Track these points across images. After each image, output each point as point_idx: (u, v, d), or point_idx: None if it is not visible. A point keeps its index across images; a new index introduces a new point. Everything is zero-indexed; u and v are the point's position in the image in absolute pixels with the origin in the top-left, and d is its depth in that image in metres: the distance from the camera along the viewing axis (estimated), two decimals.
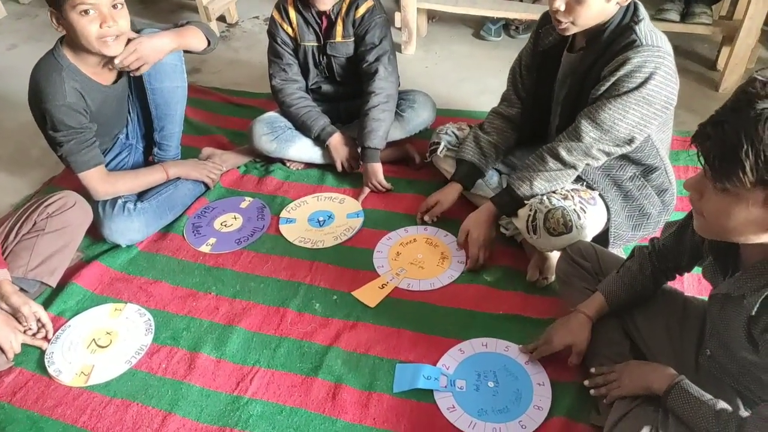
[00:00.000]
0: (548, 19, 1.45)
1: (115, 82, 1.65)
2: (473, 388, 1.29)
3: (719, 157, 0.79)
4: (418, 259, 1.64)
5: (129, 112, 1.79)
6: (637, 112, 1.30)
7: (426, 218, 1.72)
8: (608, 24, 1.32)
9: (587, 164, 1.39)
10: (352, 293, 1.55)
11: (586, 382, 1.21)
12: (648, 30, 1.29)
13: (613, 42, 1.31)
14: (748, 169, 0.76)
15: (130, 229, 1.67)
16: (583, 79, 1.38)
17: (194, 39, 1.70)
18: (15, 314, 1.40)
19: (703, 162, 0.83)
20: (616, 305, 1.23)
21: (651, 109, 1.30)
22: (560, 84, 1.49)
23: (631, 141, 1.34)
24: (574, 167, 1.40)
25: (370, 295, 1.54)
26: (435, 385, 1.29)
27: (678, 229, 1.14)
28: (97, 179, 1.61)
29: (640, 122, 1.31)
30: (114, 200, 1.66)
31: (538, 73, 1.54)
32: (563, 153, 1.38)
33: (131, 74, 1.61)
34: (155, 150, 1.83)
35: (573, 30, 1.33)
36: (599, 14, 1.30)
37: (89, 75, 1.56)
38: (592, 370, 1.22)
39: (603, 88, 1.31)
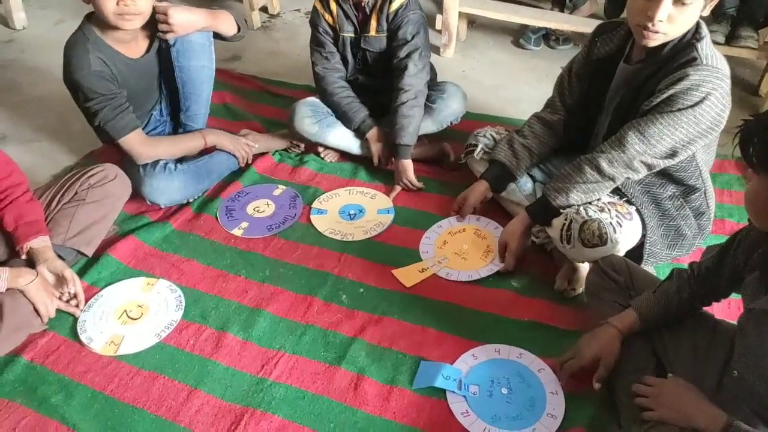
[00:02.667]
0: (606, 28, 1.44)
1: (143, 56, 1.69)
2: (486, 394, 1.29)
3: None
4: (463, 250, 1.66)
5: (161, 89, 1.82)
6: (685, 130, 1.29)
7: (458, 219, 1.72)
8: (672, 39, 1.32)
9: (627, 177, 1.39)
10: (392, 271, 1.59)
11: (596, 385, 1.20)
12: (709, 49, 1.29)
13: (674, 57, 1.31)
14: None
15: (170, 188, 1.73)
16: (637, 91, 1.38)
17: (225, 23, 1.74)
18: (57, 278, 1.44)
19: (756, 163, 0.86)
20: (648, 324, 1.22)
21: (699, 128, 1.29)
22: (612, 94, 1.49)
23: (674, 155, 1.33)
24: (613, 179, 1.39)
25: (408, 275, 1.58)
26: (452, 386, 1.30)
27: (720, 251, 1.13)
28: (138, 142, 1.67)
29: (686, 140, 1.31)
30: (155, 162, 1.72)
31: (590, 83, 1.53)
32: (604, 164, 1.37)
33: (157, 36, 1.64)
34: (180, 131, 1.86)
35: (663, 40, 1.31)
36: (693, 21, 1.29)
37: (116, 47, 1.60)
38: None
39: (656, 101, 1.31)
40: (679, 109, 1.28)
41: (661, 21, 1.25)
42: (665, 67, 1.32)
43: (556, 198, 1.45)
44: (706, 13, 1.29)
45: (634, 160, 1.35)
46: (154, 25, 1.62)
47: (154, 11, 1.59)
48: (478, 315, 1.48)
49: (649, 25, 1.26)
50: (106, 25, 1.56)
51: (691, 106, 1.27)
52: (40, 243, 1.42)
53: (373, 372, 1.34)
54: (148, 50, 1.70)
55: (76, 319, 1.44)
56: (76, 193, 1.54)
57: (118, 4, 1.48)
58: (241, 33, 1.81)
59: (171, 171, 1.73)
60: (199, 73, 1.77)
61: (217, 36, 1.77)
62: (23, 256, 1.42)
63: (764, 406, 1.02)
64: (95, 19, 1.58)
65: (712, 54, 1.28)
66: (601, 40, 1.49)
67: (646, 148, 1.33)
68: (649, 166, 1.36)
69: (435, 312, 1.48)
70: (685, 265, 1.22)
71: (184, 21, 1.62)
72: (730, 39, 2.25)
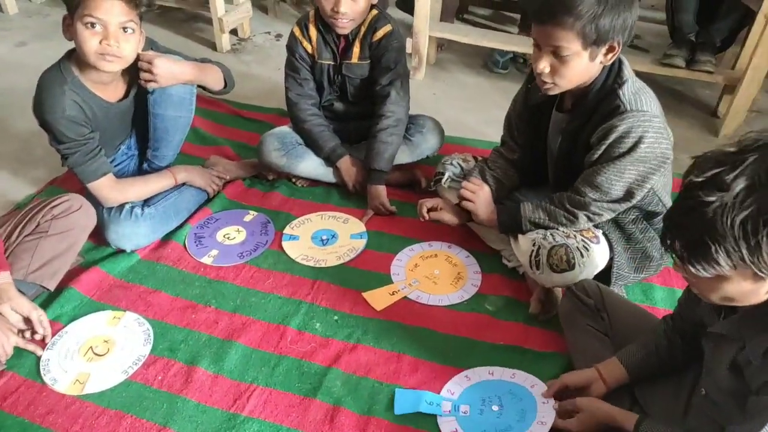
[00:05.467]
0: None
1: (120, 100, 1.64)
2: (477, 413, 1.29)
3: (692, 257, 0.82)
4: (434, 275, 1.66)
5: (132, 127, 1.77)
6: (633, 172, 1.32)
7: (425, 215, 1.66)
8: (592, 86, 1.34)
9: (592, 219, 1.41)
10: (362, 294, 1.57)
11: (555, 405, 1.23)
12: (632, 93, 1.30)
13: (598, 106, 1.33)
14: (723, 262, 0.79)
15: (137, 234, 1.66)
16: (572, 140, 1.41)
17: (212, 77, 1.70)
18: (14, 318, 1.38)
19: (678, 260, 0.85)
20: (638, 374, 1.22)
21: (647, 166, 1.32)
22: (551, 139, 1.52)
23: (631, 197, 1.36)
24: (577, 218, 1.42)
25: (379, 298, 1.57)
26: (437, 411, 1.29)
27: (688, 285, 1.15)
28: (106, 188, 1.61)
29: (639, 179, 1.34)
30: (121, 205, 1.65)
31: (530, 127, 1.57)
32: (568, 206, 1.42)
33: (139, 84, 1.59)
34: (145, 165, 1.80)
35: (557, 90, 1.35)
36: (583, 74, 1.31)
37: (94, 90, 1.55)
38: (555, 405, 1.23)
39: (595, 156, 1.34)
40: (619, 156, 1.30)
41: (543, 72, 1.30)
42: (593, 117, 1.34)
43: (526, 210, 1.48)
44: (609, 62, 1.30)
45: (592, 206, 1.38)
46: (135, 71, 1.56)
47: (138, 58, 1.53)
48: (453, 340, 1.47)
49: (538, 76, 1.32)
50: (86, 66, 1.50)
51: (628, 151, 1.29)
52: (1, 280, 1.36)
53: (349, 402, 1.31)
54: (126, 94, 1.65)
55: (37, 358, 1.38)
56: (38, 225, 1.48)
57: (100, 43, 1.43)
58: (228, 88, 1.77)
59: (137, 216, 1.65)
60: (175, 122, 1.72)
61: (201, 87, 1.72)
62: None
63: (733, 422, 1.04)
64: (75, 58, 1.52)
65: (635, 98, 1.29)
66: (533, 86, 1.51)
67: (602, 195, 1.37)
68: (611, 210, 1.40)
69: (410, 338, 1.47)
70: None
71: (169, 72, 1.57)
72: (690, 63, 2.33)
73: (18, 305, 1.36)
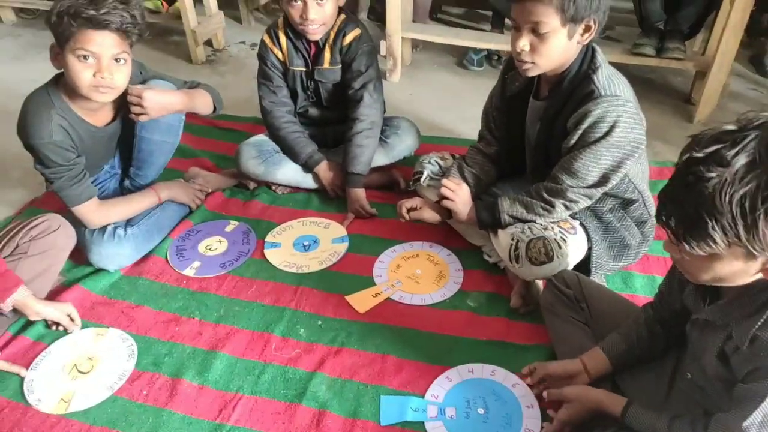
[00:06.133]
0: (513, 64, 1.48)
1: (108, 124, 1.63)
2: (463, 416, 1.29)
3: (688, 233, 0.82)
4: (416, 275, 1.67)
5: (117, 147, 1.77)
6: (609, 158, 1.34)
7: (405, 215, 1.67)
8: (567, 72, 1.36)
9: (569, 207, 1.43)
10: (345, 297, 1.58)
11: (544, 394, 1.23)
12: (605, 78, 1.33)
13: (574, 92, 1.36)
14: (718, 239, 0.79)
15: (120, 255, 1.65)
16: (550, 127, 1.43)
17: (201, 103, 1.70)
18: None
19: (673, 237, 0.85)
20: (619, 362, 1.23)
21: (621, 152, 1.34)
22: (530, 128, 1.54)
23: (606, 181, 1.38)
24: (554, 207, 1.43)
25: (362, 301, 1.58)
26: (424, 417, 1.29)
27: (669, 271, 1.17)
28: (90, 211, 1.60)
29: (613, 165, 1.35)
30: (103, 226, 1.65)
31: (509, 117, 1.59)
32: (545, 195, 1.43)
33: (127, 108, 1.58)
34: (126, 182, 1.80)
35: (536, 71, 1.37)
36: (562, 54, 1.34)
37: (81, 115, 1.54)
38: (544, 394, 1.23)
39: (572, 142, 1.36)
40: (594, 141, 1.33)
41: (522, 51, 1.32)
42: (569, 103, 1.36)
43: (504, 203, 1.49)
44: (585, 42, 1.33)
45: (569, 192, 1.40)
46: (123, 96, 1.55)
47: (127, 90, 1.52)
48: (436, 338, 1.48)
49: (517, 56, 1.34)
50: (75, 93, 1.48)
51: (603, 136, 1.31)
52: (21, 295, 1.39)
53: (335, 406, 1.32)
54: (113, 118, 1.64)
55: (21, 380, 1.37)
56: (17, 246, 1.48)
57: (94, 75, 1.42)
58: (217, 112, 1.77)
59: (120, 237, 1.64)
60: (161, 146, 1.72)
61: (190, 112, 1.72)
62: (7, 314, 1.40)
63: (716, 405, 1.06)
64: (63, 83, 1.51)
65: (608, 83, 1.32)
66: (510, 76, 1.54)
67: (578, 181, 1.38)
68: (587, 197, 1.41)
69: (394, 339, 1.48)
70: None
71: (159, 105, 1.56)
72: (660, 51, 2.36)
73: (46, 315, 1.43)
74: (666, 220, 0.84)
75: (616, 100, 1.30)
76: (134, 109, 1.54)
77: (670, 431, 1.00)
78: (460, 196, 1.57)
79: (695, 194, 0.79)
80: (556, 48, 1.31)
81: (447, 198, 1.57)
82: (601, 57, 1.36)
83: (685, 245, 0.83)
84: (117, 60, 1.45)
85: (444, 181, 1.60)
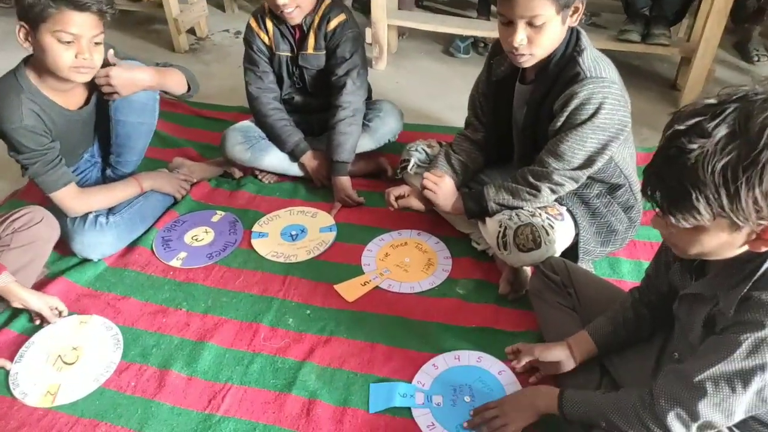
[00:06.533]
0: (498, 49, 1.48)
1: (81, 107, 1.61)
2: (450, 404, 1.30)
3: (673, 206, 0.82)
4: (405, 263, 1.67)
5: (95, 134, 1.75)
6: (594, 140, 1.35)
7: (393, 203, 1.66)
8: (553, 55, 1.36)
9: (555, 191, 1.43)
10: (334, 286, 1.58)
11: (464, 424, 1.24)
12: (591, 60, 1.33)
13: (560, 74, 1.36)
14: (702, 210, 0.79)
15: (102, 243, 1.64)
16: (536, 110, 1.43)
17: (174, 81, 1.67)
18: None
19: (658, 210, 0.86)
20: (604, 343, 1.24)
21: (607, 134, 1.35)
22: (516, 113, 1.54)
23: (591, 164, 1.39)
24: (540, 191, 1.43)
25: (351, 290, 1.58)
26: (412, 403, 1.30)
27: (656, 254, 1.18)
28: (69, 198, 1.58)
29: (598, 147, 1.36)
30: (85, 214, 1.63)
31: (495, 102, 1.58)
32: (531, 179, 1.43)
33: (103, 98, 1.57)
34: (108, 171, 1.78)
35: (533, 61, 1.36)
36: (556, 39, 1.34)
37: (53, 98, 1.52)
38: (471, 411, 1.25)
39: (558, 124, 1.36)
40: (580, 123, 1.33)
41: (521, 45, 1.31)
42: (555, 85, 1.37)
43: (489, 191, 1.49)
44: (575, 23, 1.34)
45: (554, 175, 1.40)
46: (94, 78, 1.53)
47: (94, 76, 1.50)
48: (425, 326, 1.49)
49: (514, 50, 1.33)
50: (46, 73, 1.46)
51: (589, 118, 1.32)
52: (3, 281, 1.37)
53: (325, 395, 1.32)
54: (86, 102, 1.61)
55: (7, 372, 1.36)
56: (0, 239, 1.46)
57: (76, 56, 1.40)
58: (191, 92, 1.74)
59: (102, 225, 1.63)
60: (138, 128, 1.70)
61: (164, 92, 1.69)
62: None
63: None
64: (32, 65, 1.48)
65: (594, 65, 1.33)
66: (496, 61, 1.53)
67: (564, 164, 1.39)
68: (573, 179, 1.42)
69: (383, 327, 1.48)
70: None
71: (128, 81, 1.53)
72: (645, 37, 2.37)
73: (29, 303, 1.41)
74: (651, 194, 0.85)
75: (602, 81, 1.31)
76: (104, 89, 1.53)
77: (617, 399, 1.01)
78: (442, 189, 1.57)
79: (678, 166, 0.80)
80: (552, 36, 1.32)
81: (429, 189, 1.57)
82: (586, 39, 1.37)
83: (671, 218, 0.84)
84: (95, 41, 1.43)
85: (426, 174, 1.59)
